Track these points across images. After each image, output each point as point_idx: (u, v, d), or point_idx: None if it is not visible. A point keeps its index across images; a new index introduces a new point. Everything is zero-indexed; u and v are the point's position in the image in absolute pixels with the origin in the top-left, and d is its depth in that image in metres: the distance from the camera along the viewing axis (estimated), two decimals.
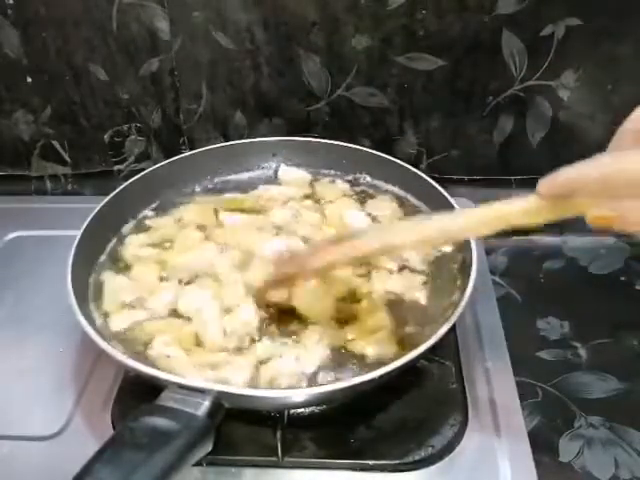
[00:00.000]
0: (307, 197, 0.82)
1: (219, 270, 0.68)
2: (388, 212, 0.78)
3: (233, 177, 0.86)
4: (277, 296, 0.63)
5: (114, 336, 0.62)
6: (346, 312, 0.64)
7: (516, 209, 0.45)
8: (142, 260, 0.71)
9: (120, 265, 0.71)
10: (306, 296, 0.63)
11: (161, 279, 0.69)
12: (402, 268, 0.69)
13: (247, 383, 0.56)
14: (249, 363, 0.58)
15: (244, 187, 0.84)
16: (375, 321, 0.63)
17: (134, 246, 0.73)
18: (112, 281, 0.68)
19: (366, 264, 0.69)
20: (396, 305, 0.65)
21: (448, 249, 0.69)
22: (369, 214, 0.78)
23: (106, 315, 0.64)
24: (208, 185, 0.85)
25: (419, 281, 0.68)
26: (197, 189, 0.84)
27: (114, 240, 0.74)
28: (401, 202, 0.80)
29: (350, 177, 0.85)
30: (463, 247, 0.67)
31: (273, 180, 0.86)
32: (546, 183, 0.42)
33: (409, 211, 0.79)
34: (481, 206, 0.48)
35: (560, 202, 0.41)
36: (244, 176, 0.86)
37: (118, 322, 0.63)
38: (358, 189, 0.83)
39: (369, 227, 0.60)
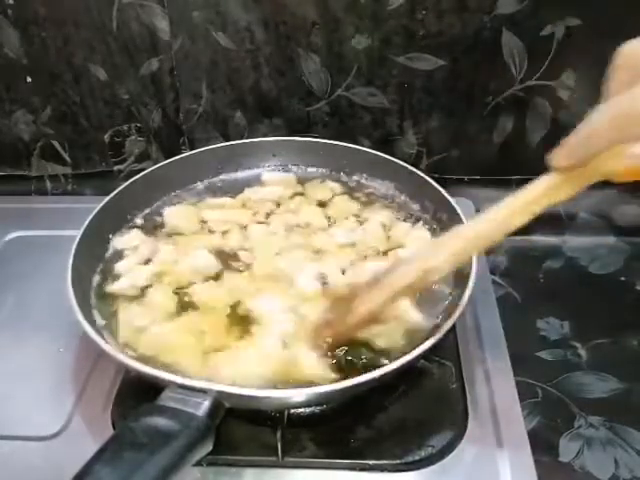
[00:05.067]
0: (296, 195, 0.82)
1: None
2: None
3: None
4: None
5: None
6: None
7: (540, 191, 0.43)
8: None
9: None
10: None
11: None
12: None
13: None
14: None
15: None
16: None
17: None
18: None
19: None
20: None
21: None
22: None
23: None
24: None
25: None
26: (199, 188, 0.84)
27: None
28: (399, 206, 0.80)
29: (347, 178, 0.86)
30: None
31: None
32: (559, 155, 0.40)
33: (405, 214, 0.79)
34: (504, 201, 0.46)
35: (579, 170, 0.39)
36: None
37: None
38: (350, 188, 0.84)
39: (401, 259, 0.57)
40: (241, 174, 0.87)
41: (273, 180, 0.85)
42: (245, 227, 0.77)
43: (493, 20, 0.81)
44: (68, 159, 1.00)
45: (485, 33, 0.82)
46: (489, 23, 0.81)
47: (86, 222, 0.69)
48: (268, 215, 0.79)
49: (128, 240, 0.75)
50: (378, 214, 0.78)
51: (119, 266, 0.71)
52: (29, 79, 0.92)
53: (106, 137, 0.97)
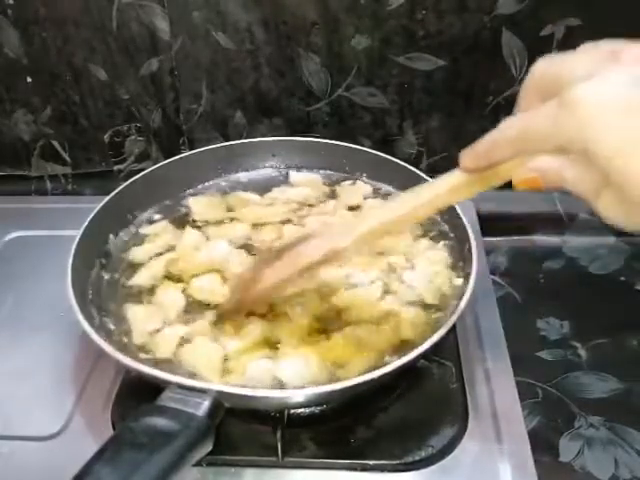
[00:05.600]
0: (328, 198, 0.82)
1: None
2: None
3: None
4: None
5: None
6: None
7: (446, 188, 0.45)
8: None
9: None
10: None
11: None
12: None
13: None
14: None
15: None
16: None
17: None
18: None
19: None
20: None
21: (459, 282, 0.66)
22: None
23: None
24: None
25: None
26: (200, 188, 0.84)
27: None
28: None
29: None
30: (463, 247, 0.67)
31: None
32: (466, 156, 0.43)
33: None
34: (409, 192, 0.48)
35: (485, 172, 0.42)
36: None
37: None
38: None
39: (312, 233, 0.56)
40: (265, 172, 0.87)
41: (301, 181, 0.85)
42: (279, 223, 0.77)
43: (493, 20, 0.81)
44: (68, 159, 1.00)
45: (485, 33, 0.82)
46: (489, 23, 0.81)
47: (86, 222, 0.69)
48: (303, 217, 0.78)
49: (152, 229, 0.77)
50: None
51: (135, 253, 0.73)
52: (29, 79, 0.92)
53: (106, 137, 0.97)
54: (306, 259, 0.54)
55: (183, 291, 0.67)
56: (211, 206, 0.80)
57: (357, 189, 0.83)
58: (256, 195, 0.83)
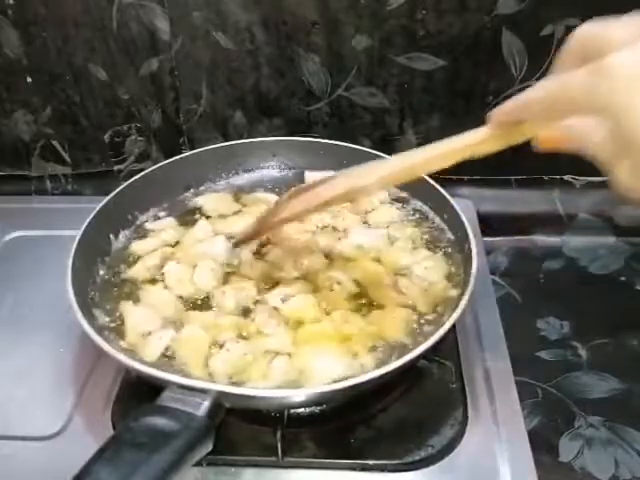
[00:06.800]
0: None
1: None
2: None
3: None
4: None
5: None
6: None
7: (471, 140, 0.47)
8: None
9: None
10: None
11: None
12: None
13: None
14: None
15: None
16: None
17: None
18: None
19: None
20: None
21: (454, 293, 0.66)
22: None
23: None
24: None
25: None
26: (202, 188, 0.85)
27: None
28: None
29: None
30: (463, 248, 0.67)
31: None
32: (496, 112, 0.44)
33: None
34: (436, 143, 0.50)
35: (510, 129, 0.43)
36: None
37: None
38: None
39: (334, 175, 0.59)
40: (282, 172, 0.88)
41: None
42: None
43: (493, 20, 0.81)
44: (68, 159, 1.00)
45: (485, 33, 0.82)
46: (489, 23, 0.81)
47: (86, 222, 0.69)
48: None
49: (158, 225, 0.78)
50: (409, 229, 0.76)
51: (135, 246, 0.74)
52: (29, 79, 0.92)
53: (106, 137, 0.97)
54: (329, 192, 0.56)
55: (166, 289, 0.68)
56: (223, 203, 0.81)
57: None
58: (273, 195, 0.83)
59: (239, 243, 0.71)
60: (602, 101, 0.34)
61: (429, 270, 0.69)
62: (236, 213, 0.80)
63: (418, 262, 0.70)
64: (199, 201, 0.82)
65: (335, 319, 0.62)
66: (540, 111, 0.39)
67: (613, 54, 0.34)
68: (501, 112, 0.43)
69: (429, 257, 0.71)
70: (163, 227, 0.77)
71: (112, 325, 0.64)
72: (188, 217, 0.80)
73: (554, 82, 0.39)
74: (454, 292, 0.65)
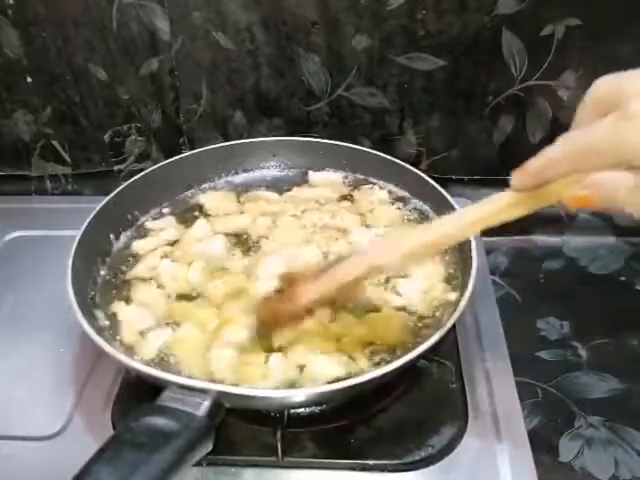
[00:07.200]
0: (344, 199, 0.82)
1: None
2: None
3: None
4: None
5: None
6: None
7: (496, 208, 0.45)
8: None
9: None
10: None
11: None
12: None
13: None
14: None
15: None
16: None
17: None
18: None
19: None
20: None
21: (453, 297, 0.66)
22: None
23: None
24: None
25: None
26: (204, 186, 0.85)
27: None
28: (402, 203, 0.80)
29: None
30: (463, 248, 0.67)
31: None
32: (518, 176, 0.42)
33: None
34: (459, 211, 0.48)
35: (536, 192, 0.42)
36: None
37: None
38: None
39: (352, 252, 0.58)
40: (289, 172, 0.88)
41: (321, 181, 0.85)
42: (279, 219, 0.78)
43: (493, 20, 0.81)
44: (68, 159, 1.00)
45: (485, 33, 0.82)
46: (489, 23, 0.81)
47: (86, 222, 0.69)
48: (304, 211, 0.79)
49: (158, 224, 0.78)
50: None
51: (136, 246, 0.74)
52: (29, 79, 0.92)
53: (106, 137, 0.97)
54: (346, 276, 0.54)
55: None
56: (224, 201, 0.82)
57: (373, 194, 0.83)
58: (274, 193, 0.84)
59: (260, 333, 0.62)
60: (632, 148, 0.34)
61: (428, 272, 0.69)
62: (236, 212, 0.80)
63: (417, 264, 0.70)
64: (201, 199, 0.83)
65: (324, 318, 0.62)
66: (566, 167, 0.38)
67: (636, 101, 0.34)
68: (525, 174, 0.41)
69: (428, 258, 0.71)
70: (163, 226, 0.78)
71: (112, 325, 0.64)
72: (188, 215, 0.80)
73: (578, 136, 0.38)
74: (453, 295, 0.65)
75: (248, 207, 0.81)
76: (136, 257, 0.73)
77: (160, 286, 0.69)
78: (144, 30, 0.86)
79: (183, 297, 0.67)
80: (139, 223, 0.78)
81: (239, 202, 0.82)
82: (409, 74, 0.86)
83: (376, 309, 0.64)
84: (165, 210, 0.81)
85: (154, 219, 0.79)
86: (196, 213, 0.80)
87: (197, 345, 0.61)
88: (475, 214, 0.47)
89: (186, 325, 0.63)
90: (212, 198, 0.83)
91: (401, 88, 0.88)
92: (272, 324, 0.60)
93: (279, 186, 0.85)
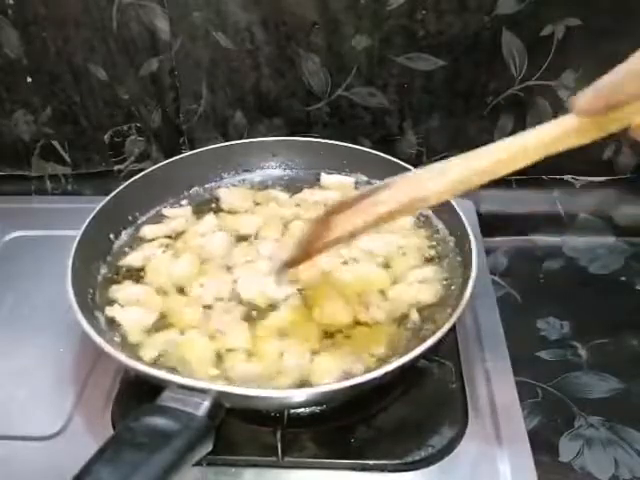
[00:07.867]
0: None
1: None
2: None
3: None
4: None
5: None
6: None
7: (557, 133, 0.40)
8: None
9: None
10: None
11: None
12: None
13: None
14: None
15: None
16: None
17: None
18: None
19: None
20: None
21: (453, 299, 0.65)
22: None
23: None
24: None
25: None
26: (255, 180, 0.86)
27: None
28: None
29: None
30: (463, 248, 0.67)
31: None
32: (583, 98, 0.38)
33: None
34: (514, 137, 0.42)
35: (603, 116, 0.38)
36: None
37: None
38: None
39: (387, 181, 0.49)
40: (282, 172, 0.87)
41: (333, 184, 0.85)
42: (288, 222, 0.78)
43: (493, 20, 0.81)
44: (68, 159, 1.00)
45: (485, 33, 0.82)
46: (489, 23, 0.81)
47: (86, 222, 0.69)
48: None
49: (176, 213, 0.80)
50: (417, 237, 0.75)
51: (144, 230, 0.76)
52: (29, 79, 0.92)
53: (106, 137, 0.97)
54: (385, 207, 0.48)
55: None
56: (240, 198, 0.82)
57: None
58: (285, 194, 0.83)
59: (285, 268, 0.58)
60: None
61: (427, 273, 0.69)
62: (249, 210, 0.81)
63: (416, 266, 0.70)
64: (220, 193, 0.83)
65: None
66: (630, 93, 0.35)
67: None
68: (592, 96, 0.37)
69: (428, 259, 0.71)
70: (178, 215, 0.79)
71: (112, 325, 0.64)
72: (205, 207, 0.81)
73: None
74: (453, 295, 0.65)
75: (258, 209, 0.81)
76: (132, 247, 0.74)
77: (144, 277, 0.70)
78: (144, 30, 0.86)
79: (162, 291, 0.68)
80: (139, 223, 0.78)
81: (254, 201, 0.82)
82: (409, 74, 0.86)
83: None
84: (183, 202, 0.82)
85: (172, 207, 0.81)
86: (213, 205, 0.81)
87: (197, 345, 0.61)
88: (536, 138, 0.41)
89: (184, 325, 0.63)
90: (230, 193, 0.83)
91: (401, 88, 0.88)
92: (307, 251, 0.54)
93: (291, 186, 0.85)
